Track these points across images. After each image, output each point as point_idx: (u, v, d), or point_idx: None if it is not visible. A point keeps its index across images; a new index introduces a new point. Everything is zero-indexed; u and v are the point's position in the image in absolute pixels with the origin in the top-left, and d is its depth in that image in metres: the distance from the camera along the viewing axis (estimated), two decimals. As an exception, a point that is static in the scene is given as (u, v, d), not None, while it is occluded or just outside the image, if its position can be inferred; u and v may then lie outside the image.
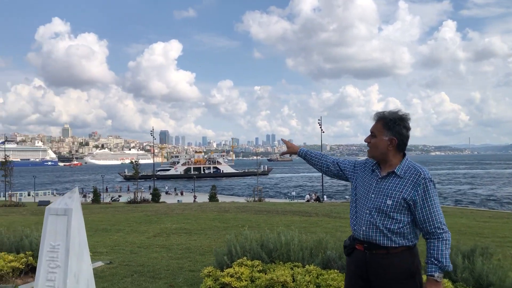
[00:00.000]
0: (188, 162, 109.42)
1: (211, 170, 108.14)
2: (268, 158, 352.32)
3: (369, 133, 2.66)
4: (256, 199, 37.80)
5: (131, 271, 6.30)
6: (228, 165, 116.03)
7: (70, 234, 4.47)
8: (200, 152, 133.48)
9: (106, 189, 64.50)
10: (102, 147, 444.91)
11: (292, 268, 4.80)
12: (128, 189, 64.90)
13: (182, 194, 59.19)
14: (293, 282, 4.50)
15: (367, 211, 2.54)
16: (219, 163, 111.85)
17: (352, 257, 2.64)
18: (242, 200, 38.76)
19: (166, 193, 61.42)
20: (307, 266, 4.77)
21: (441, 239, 2.44)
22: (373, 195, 2.55)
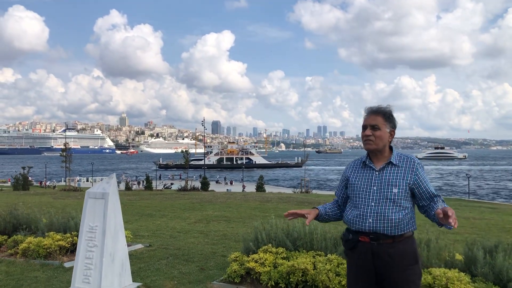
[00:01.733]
0: (221, 152, 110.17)
1: (244, 161, 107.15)
2: (317, 150, 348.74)
3: (370, 126, 2.69)
4: (303, 190, 37.80)
5: (167, 254, 6.67)
6: (261, 156, 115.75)
7: (106, 216, 4.87)
8: (233, 142, 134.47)
9: (160, 176, 66.54)
10: (157, 136, 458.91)
11: (314, 257, 4.94)
12: (180, 177, 66.58)
13: (231, 183, 60.06)
14: (313, 269, 4.65)
15: (373, 204, 2.62)
16: (251, 154, 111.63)
17: (356, 251, 2.68)
18: (289, 191, 38.88)
19: (217, 182, 62.53)
20: (328, 255, 4.90)
21: (442, 201, 2.66)
22: (375, 188, 2.65)
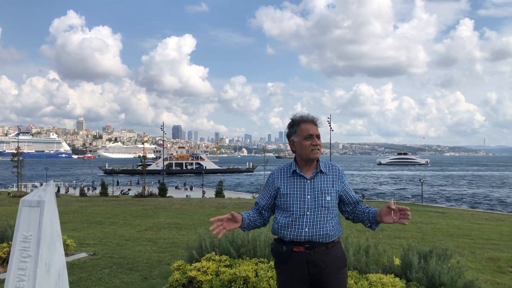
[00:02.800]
0: (170, 157, 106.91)
1: (194, 166, 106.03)
2: (277, 155, 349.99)
3: (316, 136, 2.72)
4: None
5: (111, 262, 6.50)
6: (212, 161, 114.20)
7: (42, 225, 4.65)
8: (183, 147, 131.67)
9: (117, 182, 65.18)
10: (116, 140, 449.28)
11: (257, 264, 4.93)
12: (138, 183, 65.56)
13: (191, 189, 59.53)
14: (255, 277, 4.63)
15: (308, 213, 2.61)
16: (202, 159, 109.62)
17: (290, 261, 2.63)
18: (249, 196, 38.92)
19: (176, 187, 61.82)
20: (271, 262, 4.90)
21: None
22: (309, 196, 2.63)
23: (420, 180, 46.06)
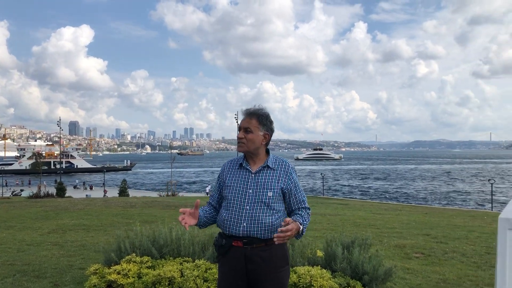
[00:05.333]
0: (35, 155, 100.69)
1: (63, 165, 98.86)
2: (179, 152, 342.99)
3: (243, 129, 2.67)
4: (169, 193, 37.17)
5: (14, 270, 5.88)
6: (84, 160, 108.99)
7: None
8: (51, 145, 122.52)
9: (6, 183, 59.85)
10: (4, 137, 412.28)
11: (181, 263, 4.77)
12: (29, 183, 61.02)
13: (91, 188, 56.68)
14: (181, 277, 4.47)
15: (247, 207, 2.56)
16: (72, 157, 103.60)
17: (229, 256, 2.60)
18: (154, 194, 37.92)
19: (74, 187, 58.46)
20: (196, 261, 4.76)
21: (307, 214, 2.67)
22: (251, 191, 2.59)
23: (321, 174, 48.28)
